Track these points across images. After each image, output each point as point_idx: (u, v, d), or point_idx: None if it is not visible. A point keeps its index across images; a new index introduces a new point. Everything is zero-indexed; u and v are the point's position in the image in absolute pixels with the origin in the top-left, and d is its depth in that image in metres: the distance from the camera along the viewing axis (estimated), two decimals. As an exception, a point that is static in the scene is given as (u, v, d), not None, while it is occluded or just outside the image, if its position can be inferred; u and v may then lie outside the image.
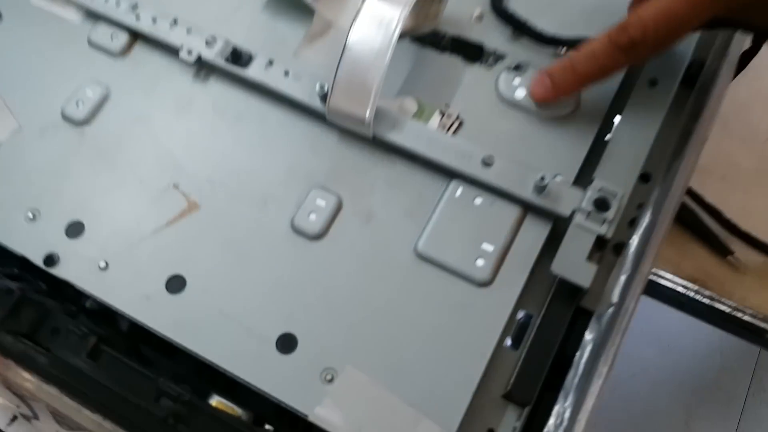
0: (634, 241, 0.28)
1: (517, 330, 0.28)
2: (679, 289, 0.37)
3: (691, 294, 0.37)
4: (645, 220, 0.29)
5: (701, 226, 0.39)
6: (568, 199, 0.28)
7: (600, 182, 0.28)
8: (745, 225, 0.39)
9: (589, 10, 0.33)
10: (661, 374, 0.79)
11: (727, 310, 0.37)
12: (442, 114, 0.32)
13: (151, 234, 0.30)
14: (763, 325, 0.36)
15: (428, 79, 0.33)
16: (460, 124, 0.31)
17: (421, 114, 0.32)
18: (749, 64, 0.35)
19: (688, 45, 0.31)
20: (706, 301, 0.37)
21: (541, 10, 0.33)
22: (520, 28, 0.32)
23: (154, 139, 0.32)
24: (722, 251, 0.38)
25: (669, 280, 0.38)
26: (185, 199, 0.31)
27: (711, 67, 0.32)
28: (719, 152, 0.42)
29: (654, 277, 0.38)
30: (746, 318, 0.36)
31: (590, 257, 0.27)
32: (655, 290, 0.38)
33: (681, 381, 0.80)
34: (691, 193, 0.40)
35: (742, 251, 0.39)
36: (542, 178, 0.28)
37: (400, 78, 0.33)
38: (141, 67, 0.34)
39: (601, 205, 0.27)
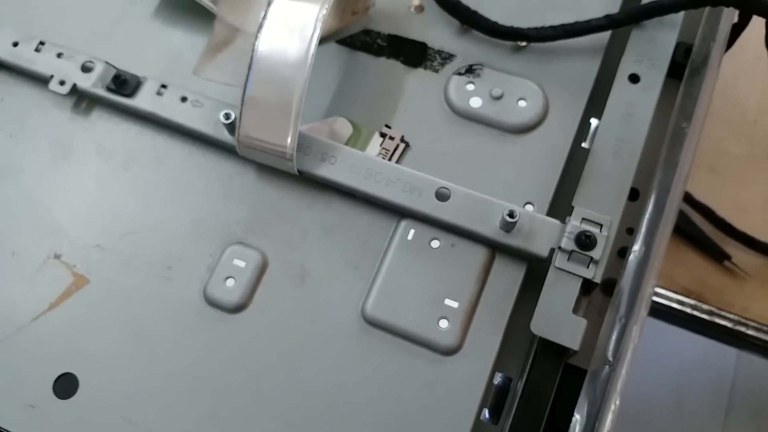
0: (627, 276, 0.23)
1: (495, 398, 0.23)
2: (675, 305, 0.33)
3: (689, 309, 0.32)
4: (637, 249, 0.23)
5: (693, 229, 0.34)
6: (544, 236, 0.23)
7: (581, 210, 0.23)
8: (740, 223, 0.34)
9: (551, -8, 0.27)
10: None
11: (729, 324, 0.32)
12: (383, 136, 0.26)
13: (31, 322, 0.24)
14: (770, 339, 0.32)
15: (363, 92, 0.27)
16: (406, 147, 0.25)
17: (358, 138, 0.26)
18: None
19: (671, 30, 0.26)
20: (705, 316, 0.32)
21: (493, -3, 0.27)
22: (468, 21, 0.27)
23: (27, 197, 0.26)
24: (718, 256, 0.34)
25: (663, 296, 0.33)
26: (70, 272, 0.24)
27: (700, 53, 0.26)
28: (706, 140, 0.37)
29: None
30: (750, 332, 0.32)
31: (577, 308, 0.22)
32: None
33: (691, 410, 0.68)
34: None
35: (739, 254, 0.34)
36: (510, 214, 0.22)
37: (329, 93, 0.27)
38: (4, 104, 0.27)
39: (586, 241, 0.22)
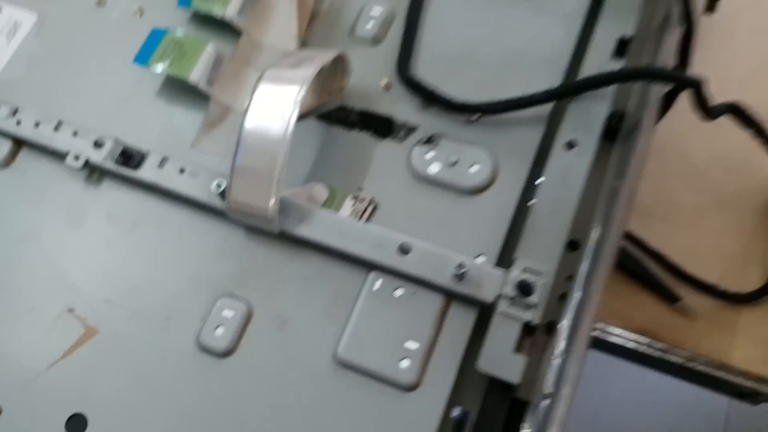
0: (567, 318, 0.26)
1: (454, 429, 0.26)
2: (630, 344, 0.36)
3: (644, 348, 0.35)
4: (576, 294, 0.27)
5: (647, 274, 0.37)
6: (491, 284, 0.26)
7: (523, 261, 0.26)
8: (691, 267, 0.37)
9: (499, 70, 0.32)
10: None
11: (680, 361, 0.35)
12: (355, 198, 0.29)
13: (47, 369, 0.27)
14: (717, 373, 0.35)
15: (338, 160, 0.31)
16: (375, 208, 0.29)
17: (333, 201, 0.29)
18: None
19: (604, 101, 0.30)
20: (659, 354, 0.35)
21: (450, 74, 0.32)
22: (429, 98, 0.31)
23: (44, 259, 0.29)
24: (671, 298, 0.37)
25: (619, 336, 0.36)
26: (82, 324, 0.28)
27: (632, 118, 0.30)
28: (659, 191, 0.40)
29: (604, 333, 0.36)
30: (700, 367, 0.35)
31: (519, 348, 0.25)
32: (606, 346, 0.36)
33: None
34: (633, 239, 0.38)
35: (690, 296, 0.37)
36: (460, 265, 0.26)
37: (308, 162, 0.31)
38: (27, 177, 0.31)
39: (525, 288, 0.25)
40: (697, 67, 0.46)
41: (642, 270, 0.38)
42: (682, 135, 0.42)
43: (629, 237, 0.38)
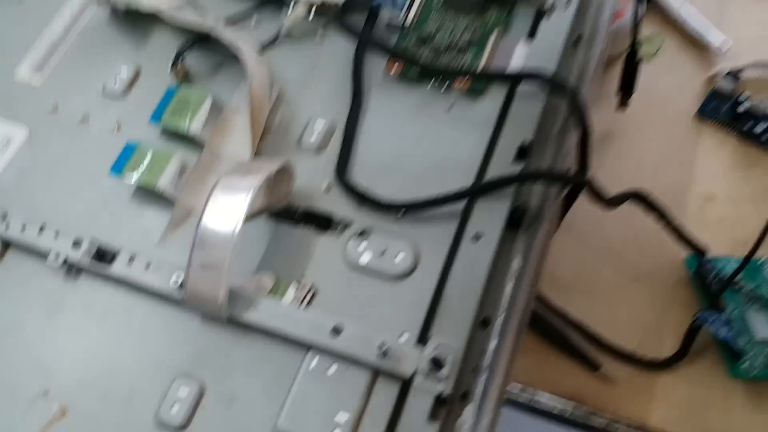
0: (478, 388, 0.30)
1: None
2: (558, 409, 0.39)
3: (569, 412, 0.39)
4: (486, 366, 0.31)
5: (570, 344, 0.41)
6: (409, 360, 0.30)
7: (437, 338, 0.31)
8: (611, 336, 0.42)
9: (422, 173, 0.37)
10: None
11: (604, 424, 0.39)
12: (297, 285, 0.34)
13: (22, 446, 0.31)
14: (636, 435, 0.38)
15: (284, 252, 0.35)
16: (314, 295, 0.34)
17: (278, 289, 0.34)
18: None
19: (506, 197, 0.35)
20: (582, 418, 0.39)
21: (381, 177, 0.37)
22: (361, 198, 0.36)
23: (24, 347, 0.34)
24: (593, 366, 0.41)
25: (547, 401, 0.39)
26: (56, 405, 0.32)
27: (534, 211, 0.35)
28: (580, 268, 0.45)
29: (533, 399, 0.40)
30: (622, 429, 0.38)
31: (433, 416, 0.29)
32: (535, 410, 0.40)
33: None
34: (557, 311, 0.43)
35: (611, 363, 0.41)
36: (383, 343, 0.30)
37: (258, 254, 0.35)
38: (12, 274, 0.36)
39: (437, 363, 0.30)
40: (613, 157, 0.53)
41: (566, 340, 0.42)
42: (599, 217, 0.47)
43: (553, 309, 0.43)
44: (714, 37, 0.55)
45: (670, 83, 0.55)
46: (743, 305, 0.43)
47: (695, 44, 0.56)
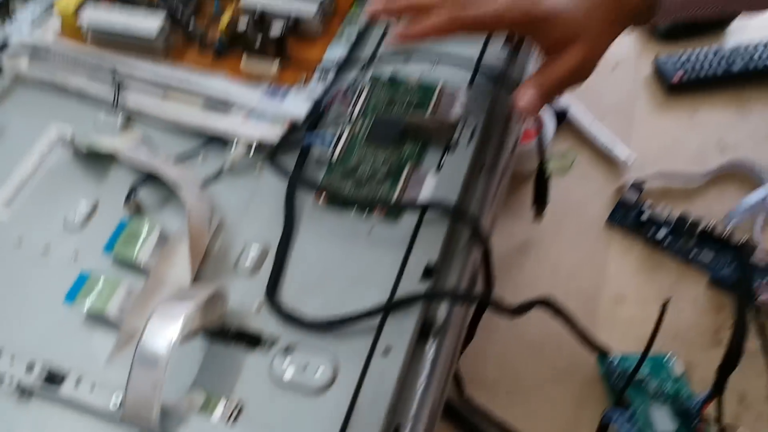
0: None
1: None
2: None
3: None
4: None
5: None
6: (322, 468, 0.34)
7: (348, 447, 0.34)
8: (532, 432, 0.45)
9: (344, 291, 0.42)
10: None
11: None
12: (226, 402, 0.38)
13: None
14: None
15: (216, 370, 0.39)
16: (240, 411, 0.37)
17: (208, 405, 0.38)
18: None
19: (413, 313, 0.39)
20: None
21: (308, 295, 0.41)
22: (287, 316, 0.40)
23: (-25, 467, 0.37)
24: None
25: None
26: None
27: (441, 321, 0.40)
28: (503, 368, 0.49)
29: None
30: None
31: None
32: None
33: None
34: (481, 412, 0.46)
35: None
36: (297, 454, 0.33)
37: (193, 372, 0.39)
38: (-32, 398, 0.39)
39: (345, 470, 0.33)
40: (532, 263, 0.58)
41: (489, 440, 0.45)
42: (521, 319, 0.52)
43: (478, 411, 0.46)
44: (621, 151, 0.62)
45: (582, 194, 0.61)
46: (648, 401, 0.47)
47: (605, 158, 0.63)
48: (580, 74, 0.42)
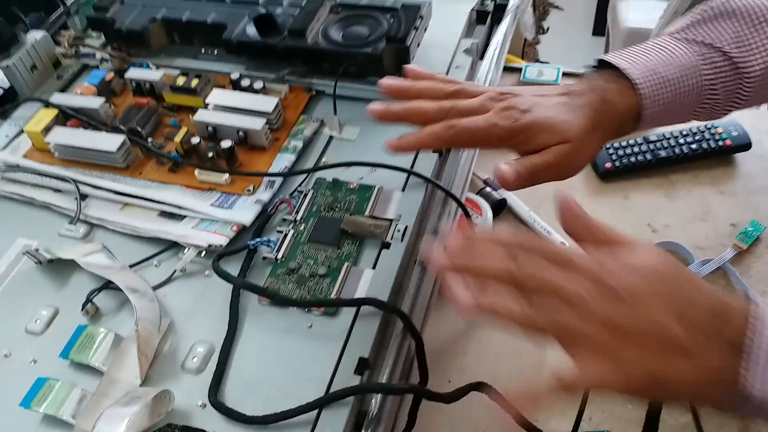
0: None
1: None
2: None
3: None
4: None
5: None
6: None
7: None
8: None
9: (285, 386, 0.44)
10: None
11: None
12: (169, 499, 0.40)
13: None
14: None
15: (162, 466, 0.42)
16: (182, 507, 0.39)
17: (152, 502, 0.40)
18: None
19: (346, 405, 0.42)
20: None
21: (251, 392, 0.44)
22: (227, 414, 0.43)
23: None
24: None
25: None
26: None
27: (376, 413, 0.43)
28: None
29: None
30: None
31: None
32: None
33: None
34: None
35: None
36: None
37: (141, 468, 0.41)
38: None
39: None
40: (476, 346, 0.61)
41: None
42: (465, 400, 0.54)
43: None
44: (555, 237, 0.67)
45: (522, 278, 0.65)
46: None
47: (543, 243, 0.68)
48: (560, 169, 0.44)
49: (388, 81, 0.46)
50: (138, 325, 0.46)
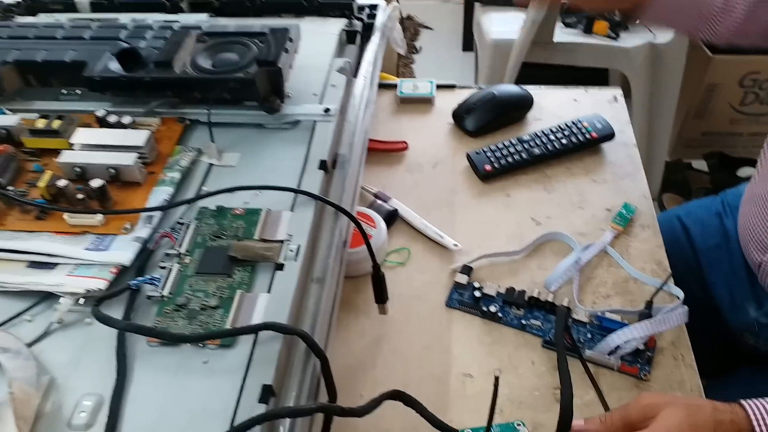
0: None
1: None
2: None
3: None
4: None
5: None
6: None
7: None
8: None
9: (186, 426, 0.42)
10: None
11: None
12: None
13: None
14: None
15: None
16: None
17: None
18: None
19: (252, 436, 0.40)
20: None
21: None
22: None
23: None
24: None
25: None
26: None
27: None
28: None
29: None
30: None
31: None
32: None
33: None
34: None
35: None
36: None
37: None
38: None
39: None
40: (385, 356, 0.60)
41: None
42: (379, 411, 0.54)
43: None
44: (448, 241, 0.69)
45: (421, 283, 0.66)
46: (501, 470, 0.49)
47: (437, 248, 0.69)
48: None
49: None
50: (12, 387, 0.41)
